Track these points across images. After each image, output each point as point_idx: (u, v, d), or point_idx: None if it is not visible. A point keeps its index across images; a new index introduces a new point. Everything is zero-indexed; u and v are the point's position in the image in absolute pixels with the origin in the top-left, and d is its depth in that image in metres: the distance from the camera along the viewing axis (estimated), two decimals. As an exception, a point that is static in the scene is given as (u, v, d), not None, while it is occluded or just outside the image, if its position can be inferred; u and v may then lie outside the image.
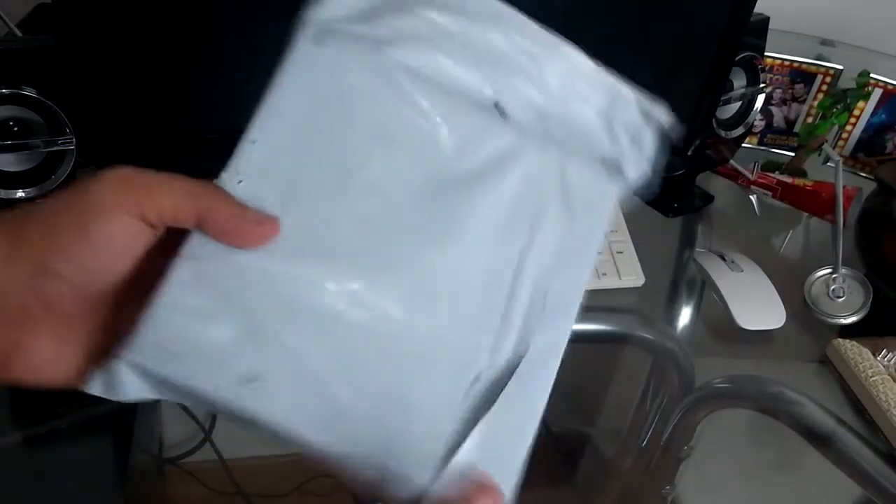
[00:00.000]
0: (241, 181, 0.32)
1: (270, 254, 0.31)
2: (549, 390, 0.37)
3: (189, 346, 0.30)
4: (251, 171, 0.32)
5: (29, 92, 0.64)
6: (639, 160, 0.38)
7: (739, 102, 0.85)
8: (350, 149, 0.33)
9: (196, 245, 0.31)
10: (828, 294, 0.78)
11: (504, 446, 0.34)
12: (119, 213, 0.29)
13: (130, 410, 0.66)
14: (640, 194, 0.39)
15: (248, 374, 0.30)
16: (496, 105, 0.36)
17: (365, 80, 0.34)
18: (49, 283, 0.29)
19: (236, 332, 0.30)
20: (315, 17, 0.33)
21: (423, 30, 0.35)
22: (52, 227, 0.29)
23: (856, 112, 0.95)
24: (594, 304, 0.77)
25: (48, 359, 0.31)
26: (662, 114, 0.38)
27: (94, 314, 0.31)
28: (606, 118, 0.38)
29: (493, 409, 0.33)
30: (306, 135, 0.33)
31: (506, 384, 0.34)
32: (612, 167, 0.38)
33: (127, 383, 0.30)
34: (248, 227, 0.31)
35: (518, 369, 0.35)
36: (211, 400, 0.30)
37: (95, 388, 0.30)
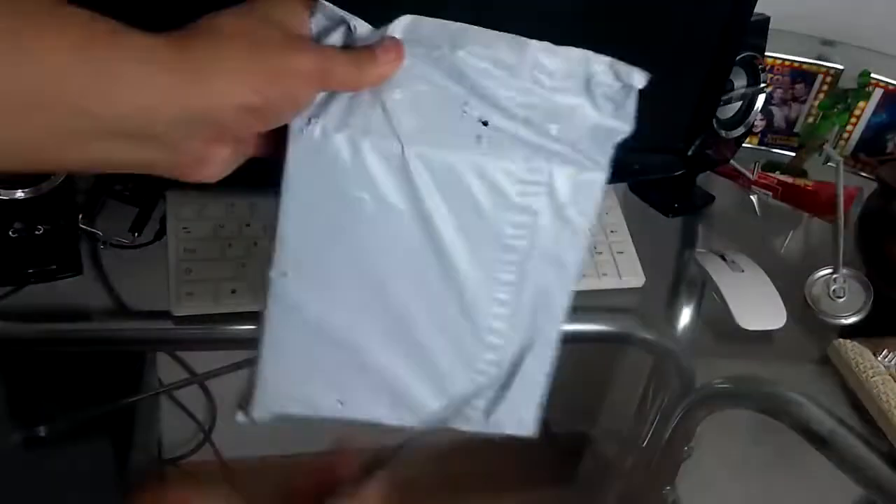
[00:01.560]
0: (285, 273, 0.40)
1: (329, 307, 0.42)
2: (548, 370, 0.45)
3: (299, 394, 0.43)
4: (290, 265, 0.40)
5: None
6: (624, 121, 0.43)
7: (740, 102, 0.85)
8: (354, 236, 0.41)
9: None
10: (828, 294, 0.78)
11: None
12: None
13: (130, 412, 0.66)
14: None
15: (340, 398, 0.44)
16: (484, 124, 0.40)
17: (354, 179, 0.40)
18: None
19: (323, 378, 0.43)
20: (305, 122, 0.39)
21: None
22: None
23: (856, 112, 0.94)
24: (594, 304, 0.77)
25: (222, 166, 0.38)
26: (638, 74, 0.43)
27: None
28: (588, 93, 0.42)
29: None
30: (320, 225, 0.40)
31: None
32: (601, 136, 0.42)
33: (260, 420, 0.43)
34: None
35: (523, 363, 0.44)
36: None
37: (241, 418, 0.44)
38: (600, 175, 0.42)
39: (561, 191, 0.41)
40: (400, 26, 0.39)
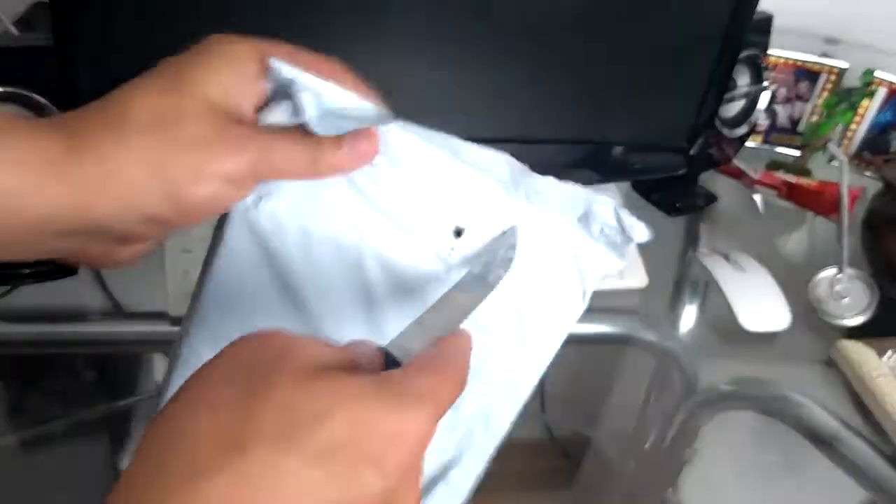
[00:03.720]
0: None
1: None
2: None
3: None
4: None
5: (25, 91, 0.63)
6: (617, 256, 0.41)
7: (743, 101, 0.84)
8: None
9: None
10: (832, 295, 0.77)
11: None
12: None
13: (126, 414, 0.66)
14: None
15: None
16: (458, 232, 0.37)
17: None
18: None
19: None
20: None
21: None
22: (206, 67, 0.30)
23: (860, 111, 0.94)
24: (596, 305, 0.76)
25: (132, 257, 0.34)
26: (640, 230, 0.41)
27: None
28: (585, 223, 0.39)
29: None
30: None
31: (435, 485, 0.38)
32: (584, 265, 0.40)
33: None
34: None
35: (448, 475, 0.39)
36: None
37: None
38: (578, 305, 0.40)
39: (528, 318, 0.39)
40: (397, 125, 0.34)
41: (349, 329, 0.36)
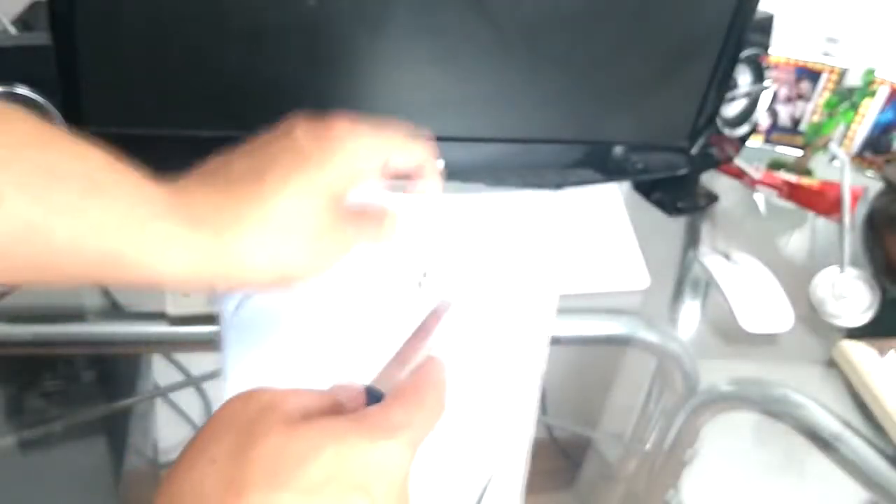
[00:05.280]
0: None
1: None
2: None
3: None
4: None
5: (23, 90, 0.63)
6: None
7: (744, 101, 0.84)
8: None
9: None
10: (834, 295, 0.77)
11: None
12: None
13: (125, 414, 0.66)
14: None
15: None
16: (424, 275, 0.42)
17: None
18: None
19: None
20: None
21: None
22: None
23: (862, 110, 0.94)
24: (597, 305, 0.76)
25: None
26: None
27: None
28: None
29: None
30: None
31: None
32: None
33: None
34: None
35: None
36: None
37: None
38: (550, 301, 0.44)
39: (502, 329, 0.43)
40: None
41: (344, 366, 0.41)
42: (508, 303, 0.43)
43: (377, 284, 0.41)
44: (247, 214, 0.33)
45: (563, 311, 0.52)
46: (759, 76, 0.83)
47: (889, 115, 0.94)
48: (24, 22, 0.75)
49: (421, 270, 0.42)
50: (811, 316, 0.77)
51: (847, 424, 0.68)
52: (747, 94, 0.84)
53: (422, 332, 0.36)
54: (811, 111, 0.97)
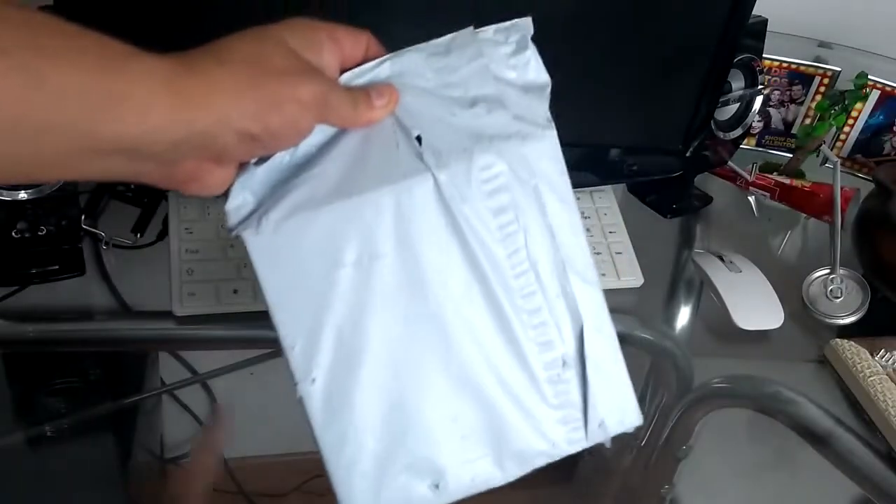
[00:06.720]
0: (314, 380, 0.38)
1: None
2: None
3: None
4: (313, 367, 0.38)
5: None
6: (537, 74, 0.43)
7: (738, 104, 0.85)
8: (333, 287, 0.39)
9: None
10: (826, 294, 0.78)
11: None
12: None
13: (132, 410, 0.66)
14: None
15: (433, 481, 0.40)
16: (418, 138, 0.40)
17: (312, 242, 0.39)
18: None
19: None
20: (243, 217, 0.39)
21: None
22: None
23: (853, 114, 0.95)
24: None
25: (219, 184, 0.38)
26: (521, 21, 0.42)
27: None
28: (494, 75, 0.42)
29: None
30: (311, 307, 0.39)
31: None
32: (529, 98, 0.42)
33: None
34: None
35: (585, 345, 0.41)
36: None
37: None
38: (550, 133, 0.41)
39: (522, 170, 0.40)
40: (386, 68, 0.40)
41: None
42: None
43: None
44: (213, 55, 0.35)
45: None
46: (752, 80, 0.84)
47: (880, 119, 0.95)
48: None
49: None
50: (803, 315, 0.78)
51: (839, 421, 0.69)
52: (741, 98, 0.85)
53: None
54: (803, 114, 0.97)
